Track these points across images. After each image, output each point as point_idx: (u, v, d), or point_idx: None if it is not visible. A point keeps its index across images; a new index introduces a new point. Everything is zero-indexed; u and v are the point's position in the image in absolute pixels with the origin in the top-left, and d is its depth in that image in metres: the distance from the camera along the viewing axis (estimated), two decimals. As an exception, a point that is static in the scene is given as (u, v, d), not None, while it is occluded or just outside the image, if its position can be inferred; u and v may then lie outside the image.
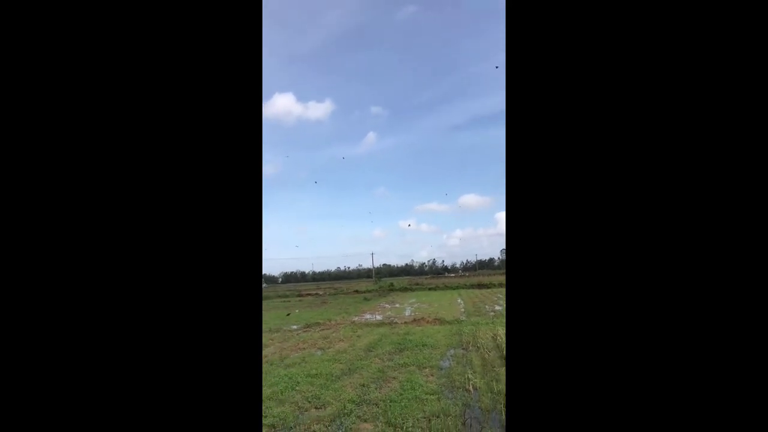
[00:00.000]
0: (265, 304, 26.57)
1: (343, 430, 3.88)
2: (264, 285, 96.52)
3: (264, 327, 12.70)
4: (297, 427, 4.00)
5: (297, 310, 18.88)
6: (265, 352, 8.34)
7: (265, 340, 9.97)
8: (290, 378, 5.79)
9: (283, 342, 9.50)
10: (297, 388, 5.32)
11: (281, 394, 5.07)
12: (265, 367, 6.70)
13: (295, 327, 12.38)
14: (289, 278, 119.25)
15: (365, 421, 4.07)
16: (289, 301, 27.80)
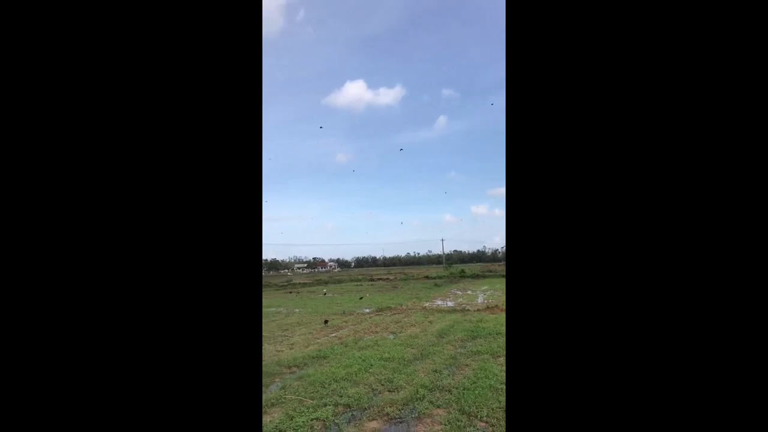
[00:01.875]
0: (338, 287, 27.63)
1: (416, 414, 3.89)
2: (338, 269, 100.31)
3: (338, 309, 13.20)
4: (371, 408, 4.08)
5: (368, 294, 19.34)
6: (339, 333, 8.65)
7: (339, 322, 10.35)
8: (364, 360, 5.94)
9: (357, 324, 9.78)
10: (370, 370, 5.43)
11: (355, 375, 5.21)
12: (339, 348, 6.95)
13: (367, 310, 12.69)
14: (361, 263, 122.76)
15: (438, 407, 4.05)
16: (361, 285, 28.60)
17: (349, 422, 3.81)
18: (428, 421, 3.76)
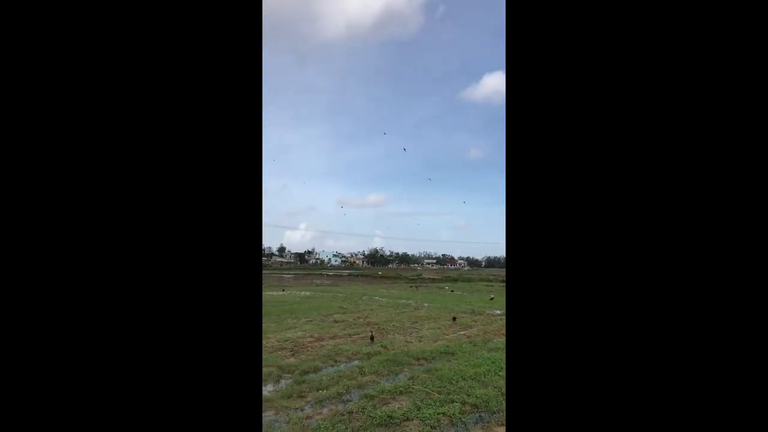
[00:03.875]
0: (468, 286, 27.22)
1: (551, 428, 3.59)
2: (467, 267, 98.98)
3: (467, 308, 13.00)
4: (500, 412, 3.90)
5: (499, 296, 18.61)
6: (468, 332, 8.51)
7: (468, 321, 10.18)
8: (493, 362, 5.72)
9: (487, 325, 9.49)
10: (500, 373, 5.20)
11: (484, 376, 5.05)
12: (468, 347, 6.82)
13: (498, 312, 12.22)
14: (492, 263, 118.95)
15: (577, 425, 3.67)
16: (492, 286, 27.68)
17: (476, 423, 3.70)
18: (565, 438, 3.44)
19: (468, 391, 4.47)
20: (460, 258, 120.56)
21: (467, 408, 4.02)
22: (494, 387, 4.64)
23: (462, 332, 8.50)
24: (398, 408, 3.98)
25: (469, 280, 34.01)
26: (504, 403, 4.16)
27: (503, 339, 7.63)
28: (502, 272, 61.67)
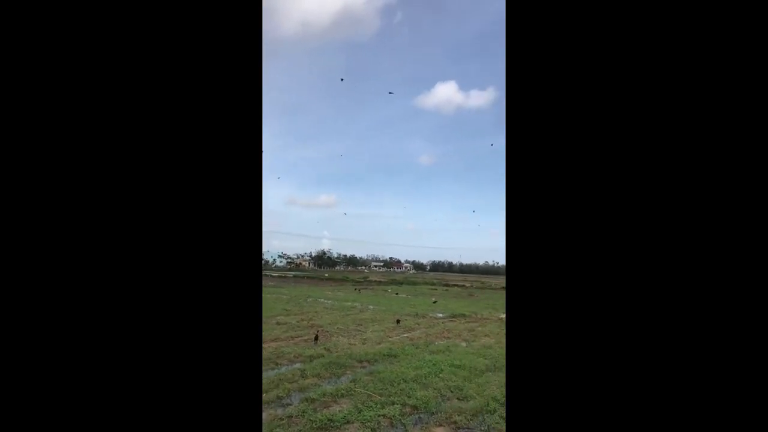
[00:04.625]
0: (412, 289, 27.66)
1: (486, 427, 3.74)
2: (413, 271, 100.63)
3: (411, 311, 13.21)
4: (439, 413, 4.01)
5: (442, 299, 19.09)
6: (411, 335, 8.65)
7: (412, 323, 10.35)
8: (434, 364, 5.86)
9: (429, 328, 9.70)
10: (440, 375, 5.35)
11: (425, 378, 5.16)
12: (410, 349, 6.94)
13: (440, 315, 12.53)
14: (437, 267, 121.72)
15: (510, 423, 3.85)
16: (436, 289, 28.33)
17: (416, 424, 3.78)
18: (498, 436, 3.59)
19: (409, 393, 4.55)
20: (407, 261, 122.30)
21: (407, 410, 4.09)
22: (434, 389, 4.76)
23: (405, 335, 8.63)
24: (339, 411, 3.97)
25: (414, 284, 34.60)
26: (442, 404, 4.28)
27: (445, 342, 7.85)
28: (446, 276, 63.29)
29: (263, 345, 7.05)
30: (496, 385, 5.04)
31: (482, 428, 3.73)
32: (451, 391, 4.70)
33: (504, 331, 9.29)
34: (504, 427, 3.75)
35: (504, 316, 13.06)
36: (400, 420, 3.82)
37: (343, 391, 4.54)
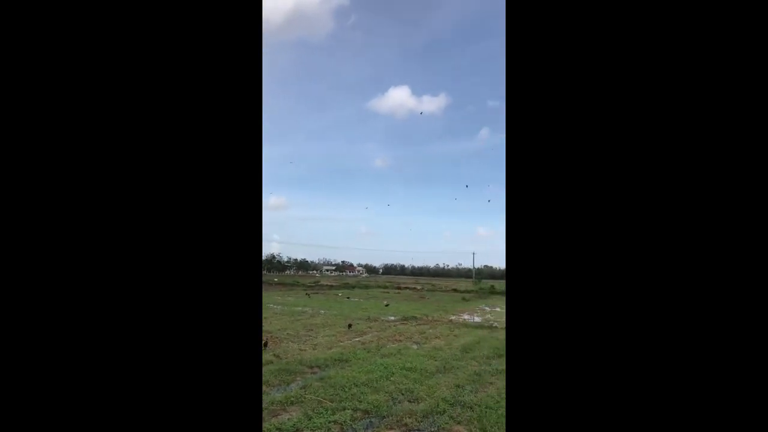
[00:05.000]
0: (365, 292, 27.65)
1: (436, 428, 3.80)
2: (365, 274, 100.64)
3: (363, 314, 13.18)
4: (390, 416, 4.02)
5: (394, 302, 19.23)
6: (363, 339, 8.62)
7: (363, 327, 10.32)
8: (386, 367, 5.87)
9: (381, 331, 9.72)
10: (392, 378, 5.37)
11: (376, 382, 5.16)
12: (362, 353, 6.91)
13: (392, 318, 12.61)
14: (389, 270, 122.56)
15: (459, 423, 3.93)
16: (388, 293, 28.49)
17: (367, 428, 3.76)
18: (447, 436, 3.65)
19: (360, 397, 4.52)
20: (360, 265, 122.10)
21: (358, 414, 4.06)
22: (385, 392, 4.77)
23: (357, 339, 8.59)
24: (288, 419, 3.87)
25: (367, 287, 34.61)
26: (393, 407, 4.30)
27: (396, 345, 7.89)
28: (398, 279, 63.85)
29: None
30: (446, 386, 5.13)
31: (432, 429, 3.78)
32: (402, 394, 4.73)
33: (453, 333, 9.51)
34: (453, 427, 3.82)
35: (453, 317, 13.37)
36: (351, 425, 3.79)
37: (293, 399, 4.43)
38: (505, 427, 3.81)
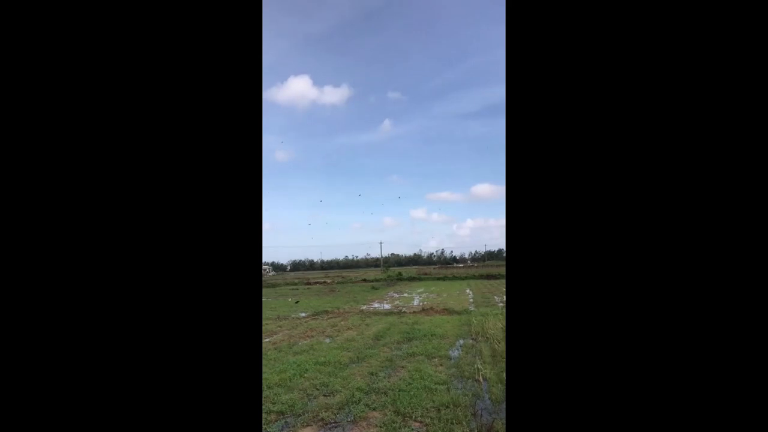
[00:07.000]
0: (273, 291, 26.79)
1: (352, 417, 3.86)
2: (272, 273, 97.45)
3: (272, 314, 12.78)
4: (306, 414, 3.98)
5: (304, 299, 18.97)
6: (273, 338, 8.38)
7: (273, 327, 10.02)
8: (299, 365, 5.79)
9: (292, 329, 9.53)
10: (305, 375, 5.31)
11: (290, 381, 5.06)
12: (273, 353, 6.72)
13: (303, 314, 12.42)
14: (298, 266, 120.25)
15: (374, 409, 4.04)
16: (297, 289, 27.98)
17: (282, 429, 3.68)
18: (363, 423, 3.74)
19: (273, 398, 4.41)
20: (266, 263, 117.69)
21: (272, 417, 3.96)
22: (300, 390, 4.71)
23: (267, 339, 8.32)
24: None
25: (275, 286, 33.54)
26: (309, 403, 4.27)
27: (308, 341, 7.81)
28: (308, 274, 62.94)
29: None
30: (360, 375, 5.23)
31: (349, 419, 3.83)
32: (317, 389, 4.72)
33: (364, 323, 9.69)
34: (369, 414, 3.92)
35: (364, 307, 13.62)
36: (265, 429, 3.68)
37: (199, 412, 4.15)
38: (416, 405, 4.02)
